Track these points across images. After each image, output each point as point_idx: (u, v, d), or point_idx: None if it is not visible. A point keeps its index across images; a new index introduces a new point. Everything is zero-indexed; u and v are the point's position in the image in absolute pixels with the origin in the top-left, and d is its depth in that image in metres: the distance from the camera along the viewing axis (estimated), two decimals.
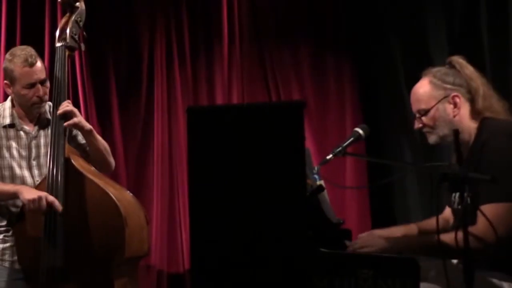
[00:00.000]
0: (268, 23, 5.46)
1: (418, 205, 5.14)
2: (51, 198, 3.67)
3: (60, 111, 3.83)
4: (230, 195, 2.74)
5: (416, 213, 5.03)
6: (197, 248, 2.78)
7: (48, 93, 3.98)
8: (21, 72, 3.89)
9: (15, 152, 3.95)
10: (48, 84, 3.98)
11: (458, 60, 3.28)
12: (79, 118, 3.89)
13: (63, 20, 4.01)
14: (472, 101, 3.22)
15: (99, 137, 4.03)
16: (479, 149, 3.11)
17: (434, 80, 3.25)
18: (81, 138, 4.08)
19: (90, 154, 4.05)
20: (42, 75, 3.94)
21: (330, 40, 5.46)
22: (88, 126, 3.93)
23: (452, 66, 3.29)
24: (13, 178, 3.92)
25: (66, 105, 3.85)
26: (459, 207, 3.14)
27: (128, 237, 3.70)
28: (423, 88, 3.27)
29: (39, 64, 3.94)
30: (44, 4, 5.23)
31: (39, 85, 3.92)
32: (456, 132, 2.80)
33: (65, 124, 3.83)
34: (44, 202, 3.65)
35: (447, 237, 2.92)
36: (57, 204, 3.67)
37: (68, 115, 3.84)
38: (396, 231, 3.45)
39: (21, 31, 5.17)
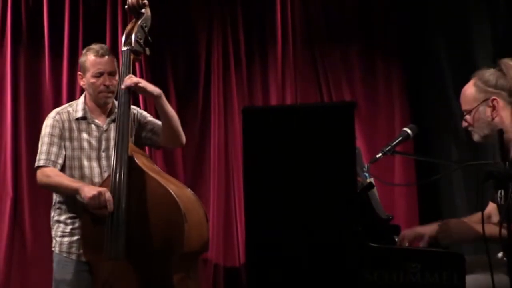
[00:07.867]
0: (320, 27, 5.52)
1: (464, 202, 5.16)
2: (108, 195, 3.79)
3: (122, 86, 3.97)
4: (283, 192, 2.84)
5: (462, 210, 5.02)
6: (252, 243, 2.90)
7: (115, 85, 4.12)
8: (91, 62, 4.10)
9: (85, 144, 4.09)
10: (116, 77, 4.12)
11: (507, 63, 3.33)
12: (145, 83, 4.03)
13: (129, 26, 4.11)
14: None
15: (168, 104, 4.12)
16: None
17: (478, 83, 3.32)
18: (146, 123, 4.22)
19: (162, 125, 4.13)
20: (110, 67, 4.12)
21: (380, 42, 5.52)
22: (157, 90, 4.03)
23: (500, 68, 3.33)
24: (82, 168, 4.07)
25: (129, 77, 3.97)
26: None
27: (188, 232, 3.76)
28: (468, 90, 3.35)
29: (109, 57, 4.13)
30: (105, 11, 5.36)
31: (106, 75, 4.10)
32: (501, 132, 2.88)
33: (133, 89, 3.98)
34: (103, 198, 3.77)
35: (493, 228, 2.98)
36: (111, 205, 3.79)
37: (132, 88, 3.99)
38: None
39: (83, 36, 5.29)
